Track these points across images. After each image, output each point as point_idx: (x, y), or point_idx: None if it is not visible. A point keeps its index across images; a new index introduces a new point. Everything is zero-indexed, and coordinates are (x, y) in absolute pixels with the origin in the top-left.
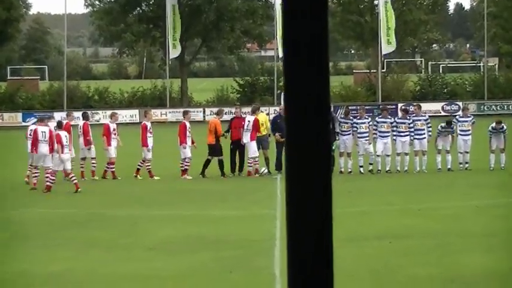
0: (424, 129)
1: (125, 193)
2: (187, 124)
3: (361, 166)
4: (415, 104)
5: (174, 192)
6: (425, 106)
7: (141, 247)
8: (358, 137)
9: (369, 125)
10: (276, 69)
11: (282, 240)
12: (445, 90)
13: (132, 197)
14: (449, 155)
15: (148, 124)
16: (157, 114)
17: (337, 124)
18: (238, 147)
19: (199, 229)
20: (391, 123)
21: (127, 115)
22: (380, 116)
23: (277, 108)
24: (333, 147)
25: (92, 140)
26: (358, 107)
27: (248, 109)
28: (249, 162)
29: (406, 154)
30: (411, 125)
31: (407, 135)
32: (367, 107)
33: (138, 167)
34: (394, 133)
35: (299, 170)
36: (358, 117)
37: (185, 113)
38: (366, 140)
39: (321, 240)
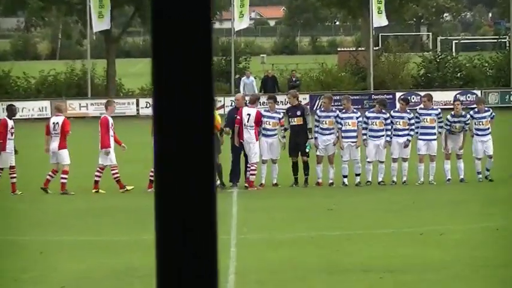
0: (434, 127)
1: (34, 212)
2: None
3: (345, 176)
4: (424, 94)
5: (98, 211)
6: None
7: (49, 284)
8: (343, 137)
9: (358, 122)
10: (234, 46)
11: (239, 276)
12: (459, 74)
13: (44, 217)
14: (461, 161)
15: (110, 119)
16: (74, 106)
17: (310, 118)
18: None
19: (129, 259)
20: (385, 119)
21: (34, 108)
22: (371, 110)
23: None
24: (307, 149)
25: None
26: (343, 97)
27: None
28: (249, 169)
29: (405, 160)
30: (411, 121)
31: (406, 134)
32: (355, 97)
33: (96, 178)
34: (389, 132)
35: (173, 182)
36: (343, 111)
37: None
38: (353, 142)
39: (201, 269)
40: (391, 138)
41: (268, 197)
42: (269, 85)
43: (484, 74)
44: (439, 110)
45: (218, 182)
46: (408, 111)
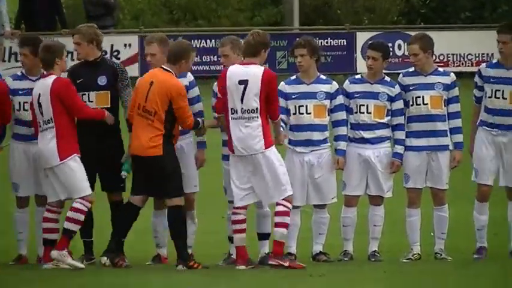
0: (443, 118)
1: None
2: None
3: (230, 239)
4: (416, 34)
5: None
6: (446, 43)
7: None
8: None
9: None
10: None
11: None
12: None
13: None
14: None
15: None
16: None
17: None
18: None
19: None
20: (328, 95)
21: None
22: (293, 79)
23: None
24: (124, 172)
25: None
26: (223, 40)
27: None
28: (279, 213)
29: (377, 203)
30: (397, 104)
31: (385, 138)
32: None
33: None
34: (339, 130)
35: None
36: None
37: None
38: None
39: None
40: (340, 146)
41: None
42: (39, 7)
43: None
44: (453, 74)
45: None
46: (388, 79)
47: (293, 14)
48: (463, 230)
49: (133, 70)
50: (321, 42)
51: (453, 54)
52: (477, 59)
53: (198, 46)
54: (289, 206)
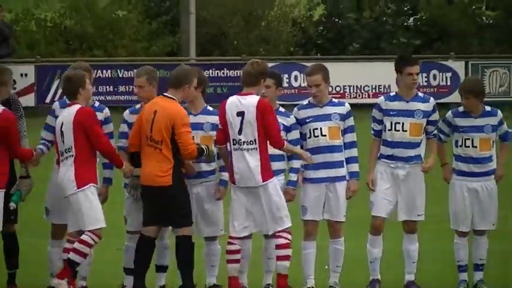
0: (339, 149)
1: None
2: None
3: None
4: (312, 66)
5: None
6: (342, 74)
7: None
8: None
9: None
10: None
11: None
12: (411, 20)
13: None
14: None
15: None
16: None
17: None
18: None
19: None
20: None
21: None
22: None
23: None
24: (12, 203)
25: None
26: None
27: None
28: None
29: (270, 234)
30: (293, 137)
31: (279, 171)
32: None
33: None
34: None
35: None
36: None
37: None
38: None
39: None
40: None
41: None
42: None
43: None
44: (347, 104)
45: None
46: (283, 109)
47: (189, 44)
48: (359, 263)
49: (29, 100)
50: (217, 73)
51: (349, 86)
52: (374, 90)
53: (94, 76)
54: (289, 237)
